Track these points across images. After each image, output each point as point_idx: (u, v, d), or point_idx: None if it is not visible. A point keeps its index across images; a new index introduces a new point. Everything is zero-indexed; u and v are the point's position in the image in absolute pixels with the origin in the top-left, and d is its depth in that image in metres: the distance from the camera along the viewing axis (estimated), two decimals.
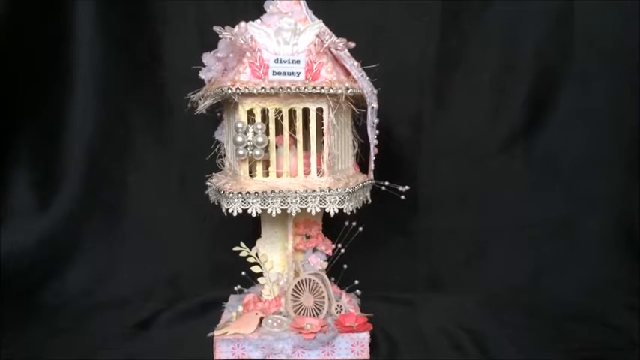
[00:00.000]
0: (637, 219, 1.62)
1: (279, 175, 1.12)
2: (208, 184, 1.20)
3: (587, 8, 1.59)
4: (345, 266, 1.27)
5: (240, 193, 1.07)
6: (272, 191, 1.08)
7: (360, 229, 1.24)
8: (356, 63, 1.15)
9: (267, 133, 1.09)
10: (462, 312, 1.41)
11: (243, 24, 1.11)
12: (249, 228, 1.33)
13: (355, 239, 1.24)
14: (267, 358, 1.12)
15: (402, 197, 1.21)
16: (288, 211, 1.09)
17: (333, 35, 1.13)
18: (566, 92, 1.62)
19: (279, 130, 1.11)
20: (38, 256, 1.59)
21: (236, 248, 1.23)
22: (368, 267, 1.48)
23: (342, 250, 1.25)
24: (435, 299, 1.49)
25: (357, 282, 1.29)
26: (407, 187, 1.22)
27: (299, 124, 1.10)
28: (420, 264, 1.63)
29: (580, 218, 1.63)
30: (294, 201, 1.08)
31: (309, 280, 1.19)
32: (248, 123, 1.09)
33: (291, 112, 1.11)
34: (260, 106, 1.09)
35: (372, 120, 1.16)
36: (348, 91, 1.08)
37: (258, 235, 1.25)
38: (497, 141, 1.65)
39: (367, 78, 1.15)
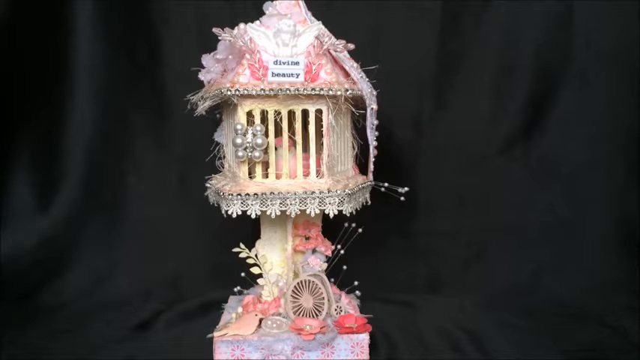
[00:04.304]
0: (637, 220, 1.62)
1: (278, 177, 1.12)
2: (208, 185, 1.20)
3: (586, 9, 1.59)
4: (345, 267, 1.27)
5: (239, 194, 1.07)
6: (271, 192, 1.08)
7: (360, 230, 1.24)
8: (355, 64, 1.15)
9: (266, 134, 1.09)
10: (461, 313, 1.41)
11: (242, 25, 1.11)
12: (249, 229, 1.34)
13: (355, 240, 1.24)
14: (266, 359, 1.13)
15: (402, 198, 1.21)
16: (288, 213, 1.09)
17: (333, 37, 1.13)
18: (566, 93, 1.63)
19: (278, 132, 1.11)
20: (38, 256, 1.59)
21: (235, 249, 1.23)
22: (367, 268, 1.48)
23: (342, 252, 1.25)
24: (434, 300, 1.49)
25: (356, 283, 1.29)
26: (406, 189, 1.22)
27: (298, 125, 1.10)
28: (420, 265, 1.63)
29: (580, 219, 1.63)
30: (293, 202, 1.08)
31: (309, 281, 1.19)
32: (247, 124, 1.09)
33: (291, 114, 1.11)
34: (259, 107, 1.09)
35: (371, 121, 1.16)
36: (348, 93, 1.08)
37: (258, 237, 1.25)
38: (497, 142, 1.65)
39: (366, 79, 1.15)
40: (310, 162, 1.12)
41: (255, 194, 1.07)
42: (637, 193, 1.63)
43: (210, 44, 1.16)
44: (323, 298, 1.18)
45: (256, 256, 1.23)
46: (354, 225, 1.24)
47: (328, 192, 1.08)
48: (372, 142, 1.18)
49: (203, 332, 1.18)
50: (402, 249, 1.65)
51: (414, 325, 1.34)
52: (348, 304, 1.22)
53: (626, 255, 1.61)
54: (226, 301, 1.34)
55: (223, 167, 1.21)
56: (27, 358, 1.19)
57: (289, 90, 1.06)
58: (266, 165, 1.13)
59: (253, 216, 1.09)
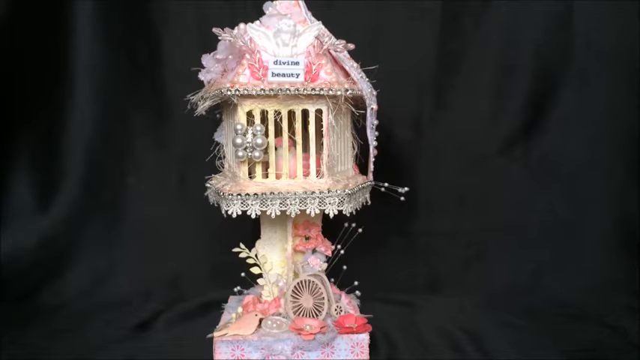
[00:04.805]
0: (637, 220, 1.62)
1: (278, 177, 1.12)
2: (208, 185, 1.20)
3: (586, 9, 1.59)
4: (345, 267, 1.27)
5: (239, 194, 1.07)
6: (271, 192, 1.08)
7: (360, 230, 1.24)
8: (355, 64, 1.15)
9: (266, 134, 1.09)
10: (461, 313, 1.41)
11: (242, 25, 1.11)
12: (249, 229, 1.34)
13: (355, 240, 1.24)
14: (266, 359, 1.13)
15: (402, 198, 1.21)
16: (288, 213, 1.09)
17: (333, 37, 1.13)
18: (566, 93, 1.63)
19: (278, 132, 1.11)
20: (38, 256, 1.59)
21: (235, 249, 1.23)
22: (367, 268, 1.48)
23: (342, 252, 1.25)
24: (434, 300, 1.49)
25: (356, 283, 1.29)
26: (406, 189, 1.22)
27: (298, 125, 1.10)
28: (420, 265, 1.63)
29: (579, 219, 1.63)
30: (293, 202, 1.08)
31: (309, 281, 1.19)
32: (247, 124, 1.09)
33: (291, 114, 1.11)
34: (259, 107, 1.09)
35: (371, 121, 1.16)
36: (348, 93, 1.08)
37: (258, 237, 1.25)
38: (497, 142, 1.65)
39: (366, 79, 1.15)
40: (310, 162, 1.12)
41: (255, 194, 1.07)
42: (637, 193, 1.63)
43: (210, 44, 1.16)
44: (323, 298, 1.18)
45: (256, 256, 1.23)
46: (354, 225, 1.24)
47: (328, 192, 1.08)
48: (372, 142, 1.18)
49: (203, 332, 1.18)
50: (402, 249, 1.65)
51: (414, 325, 1.34)
52: (348, 304, 1.22)
53: (626, 255, 1.61)
54: (226, 301, 1.34)
55: (223, 167, 1.21)
56: (27, 358, 1.19)
57: (289, 90, 1.06)
58: (266, 165, 1.13)
59: (253, 216, 1.09)
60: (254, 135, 1.07)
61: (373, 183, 1.23)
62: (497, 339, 1.26)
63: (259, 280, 1.25)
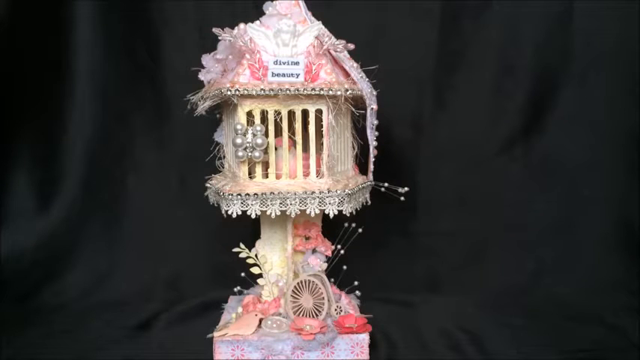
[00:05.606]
0: (637, 220, 1.62)
1: (278, 177, 1.12)
2: (208, 185, 1.20)
3: (586, 9, 1.59)
4: (345, 267, 1.27)
5: (239, 194, 1.07)
6: (271, 193, 1.08)
7: (360, 230, 1.24)
8: (355, 64, 1.15)
9: (266, 134, 1.09)
10: (461, 313, 1.41)
11: (242, 25, 1.11)
12: (249, 229, 1.34)
13: (355, 240, 1.24)
14: (266, 359, 1.13)
15: (402, 198, 1.21)
16: (288, 213, 1.09)
17: (333, 37, 1.13)
18: (566, 93, 1.62)
19: (278, 132, 1.11)
20: (38, 256, 1.59)
21: (235, 249, 1.23)
22: (367, 268, 1.48)
23: (342, 252, 1.25)
24: (434, 300, 1.49)
25: (356, 283, 1.29)
26: (406, 189, 1.22)
27: (298, 125, 1.10)
28: (420, 265, 1.63)
29: (580, 219, 1.63)
30: (293, 202, 1.08)
31: (309, 281, 1.19)
32: (247, 124, 1.09)
33: (291, 114, 1.11)
34: (259, 107, 1.09)
35: (371, 121, 1.16)
36: (348, 93, 1.08)
37: (258, 237, 1.25)
38: (497, 142, 1.65)
39: (366, 79, 1.15)
40: (310, 162, 1.12)
41: (255, 194, 1.07)
42: (637, 194, 1.63)
43: (210, 44, 1.16)
44: (323, 298, 1.18)
45: (256, 256, 1.23)
46: (354, 225, 1.24)
47: (328, 192, 1.08)
48: (372, 142, 1.18)
49: (203, 332, 1.18)
50: (402, 249, 1.65)
51: (414, 324, 1.34)
52: (348, 304, 1.22)
53: (626, 255, 1.61)
54: (226, 301, 1.34)
55: (223, 167, 1.21)
56: (27, 358, 1.20)
57: (289, 90, 1.06)
58: (266, 165, 1.13)
59: (253, 216, 1.09)
60: (254, 135, 1.07)
61: (373, 183, 1.23)
62: (497, 339, 1.26)
63: (259, 280, 1.25)
